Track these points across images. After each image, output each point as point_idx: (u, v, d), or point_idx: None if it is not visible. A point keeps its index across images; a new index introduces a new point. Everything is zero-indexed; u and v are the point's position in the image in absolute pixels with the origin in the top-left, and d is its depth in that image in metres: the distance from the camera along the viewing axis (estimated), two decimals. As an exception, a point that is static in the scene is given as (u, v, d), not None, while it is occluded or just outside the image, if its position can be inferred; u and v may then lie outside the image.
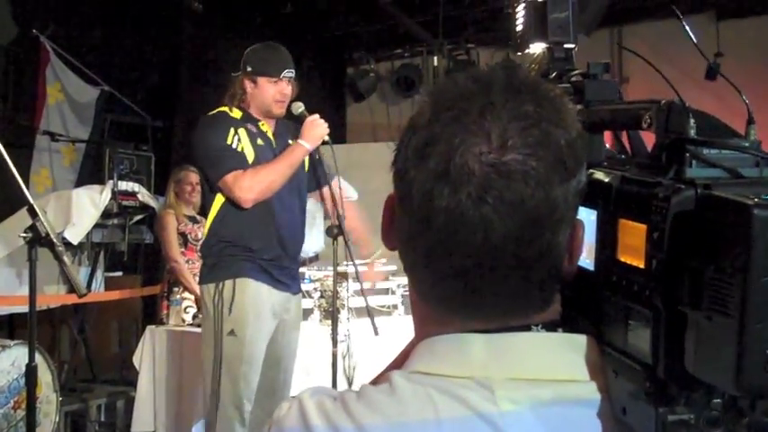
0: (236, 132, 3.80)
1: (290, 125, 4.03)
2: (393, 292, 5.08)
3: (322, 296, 4.88)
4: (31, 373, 2.80)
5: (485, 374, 0.85)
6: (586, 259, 0.93)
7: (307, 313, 4.79)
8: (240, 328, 3.71)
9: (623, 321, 0.87)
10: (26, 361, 4.62)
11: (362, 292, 4.06)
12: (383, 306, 4.94)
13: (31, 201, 2.77)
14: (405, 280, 4.40)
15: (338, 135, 3.68)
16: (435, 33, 8.55)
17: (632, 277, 0.84)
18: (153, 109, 7.50)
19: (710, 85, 5.24)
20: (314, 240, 5.84)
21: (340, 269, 4.33)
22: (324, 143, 3.88)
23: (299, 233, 4.03)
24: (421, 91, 9.25)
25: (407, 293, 5.04)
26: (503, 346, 0.86)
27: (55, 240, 2.81)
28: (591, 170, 0.94)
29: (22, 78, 7.46)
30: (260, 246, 3.79)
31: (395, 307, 5.06)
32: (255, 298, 3.76)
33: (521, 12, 1.28)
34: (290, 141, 3.94)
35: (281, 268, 3.87)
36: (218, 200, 3.81)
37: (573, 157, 0.84)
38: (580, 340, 0.90)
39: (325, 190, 4.04)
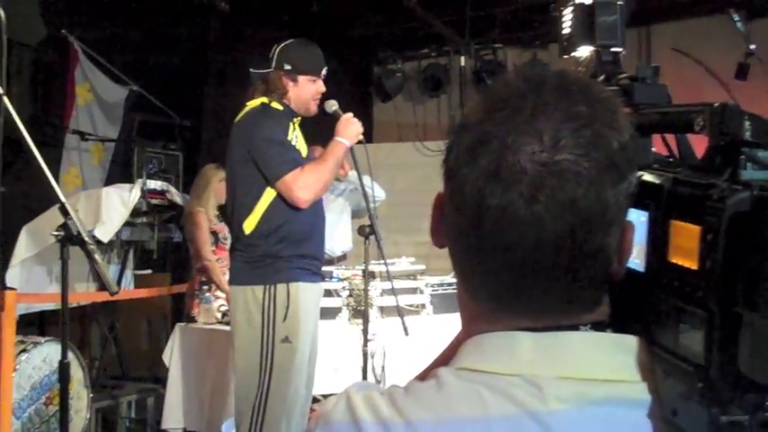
0: (294, 127, 3.75)
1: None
2: (421, 292, 5.08)
3: (350, 295, 4.89)
4: (64, 369, 2.82)
5: (533, 372, 0.85)
6: (636, 260, 0.94)
7: (335, 312, 4.81)
8: (294, 335, 3.60)
9: (674, 322, 0.87)
10: (57, 357, 4.67)
11: (393, 292, 4.05)
12: (411, 305, 4.95)
13: (63, 200, 2.79)
14: (433, 279, 4.44)
15: (365, 135, 3.69)
16: (462, 33, 8.54)
17: (685, 278, 0.85)
18: (181, 108, 7.53)
19: (737, 85, 5.21)
20: (342, 239, 5.86)
21: (369, 268, 4.33)
22: (359, 142, 3.87)
23: (324, 225, 4.00)
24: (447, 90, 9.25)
25: (435, 293, 5.08)
26: (552, 345, 0.87)
27: (86, 239, 2.82)
28: (640, 172, 0.95)
29: (51, 79, 7.53)
30: (308, 245, 3.73)
31: (423, 306, 5.06)
32: (307, 303, 3.67)
33: (568, 14, 1.28)
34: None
35: (320, 261, 3.85)
36: (266, 199, 3.67)
37: (625, 159, 0.85)
38: (629, 341, 0.90)
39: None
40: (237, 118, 3.78)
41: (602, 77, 1.15)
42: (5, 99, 2.47)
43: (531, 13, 8.19)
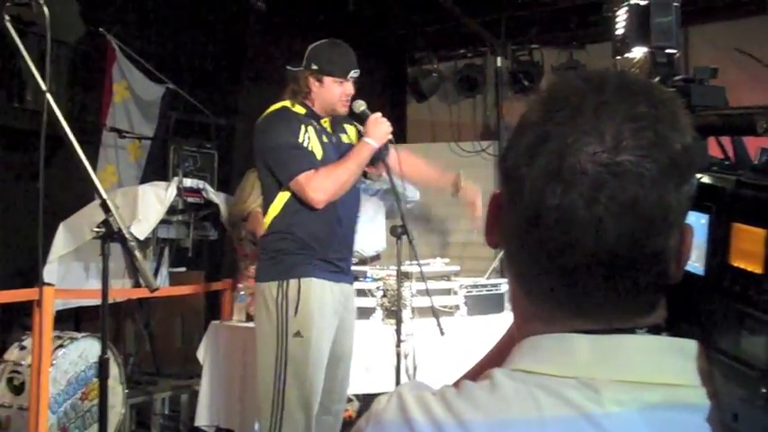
0: (306, 130, 3.76)
1: (339, 118, 3.98)
2: (455, 293, 5.06)
3: (384, 295, 4.89)
4: (103, 365, 2.84)
5: (590, 375, 0.84)
6: (695, 263, 0.92)
7: (369, 312, 4.81)
8: (306, 329, 3.66)
9: (736, 326, 0.86)
10: (93, 353, 4.74)
11: (427, 292, 4.04)
12: (445, 306, 4.93)
13: (105, 196, 2.80)
14: (467, 281, 4.42)
15: (399, 135, 3.70)
16: (498, 33, 8.52)
17: (748, 282, 0.83)
18: (216, 107, 7.58)
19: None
20: (376, 240, 5.86)
21: (403, 269, 4.33)
22: (388, 141, 3.87)
23: (355, 226, 4.04)
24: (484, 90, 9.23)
25: (470, 294, 5.06)
26: (609, 348, 0.86)
27: (127, 236, 2.83)
28: (699, 174, 0.93)
29: (89, 76, 7.61)
30: (323, 243, 3.77)
31: (457, 307, 5.04)
32: (321, 298, 3.72)
33: (622, 15, 1.26)
34: (341, 136, 3.94)
35: (341, 261, 3.86)
36: (282, 197, 3.77)
37: (687, 161, 0.84)
38: (688, 345, 0.89)
39: (388, 162, 3.97)
40: (258, 120, 3.87)
41: (657, 79, 1.14)
42: (49, 96, 2.49)
43: (569, 13, 8.15)
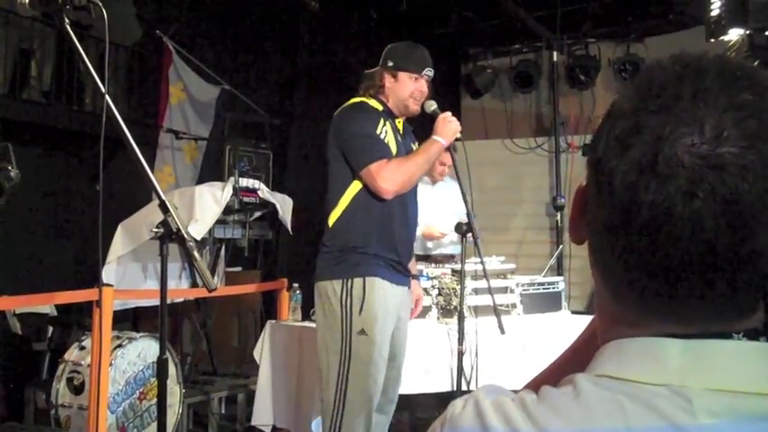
0: (384, 124, 3.78)
1: (409, 128, 4.03)
2: (512, 291, 5.01)
3: (439, 294, 4.85)
4: (162, 366, 2.84)
5: (681, 383, 0.79)
6: None
7: (424, 311, 4.78)
8: (370, 328, 3.65)
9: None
10: (151, 353, 4.78)
11: (489, 291, 4.00)
12: (501, 305, 4.88)
13: (164, 197, 2.81)
14: (524, 279, 4.36)
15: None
16: (553, 28, 8.43)
17: None
18: (271, 107, 7.62)
19: None
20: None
21: (459, 267, 4.29)
22: (457, 140, 3.88)
23: (415, 228, 4.05)
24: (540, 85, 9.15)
25: (526, 292, 5.00)
26: (702, 354, 0.81)
27: (185, 236, 2.83)
28: None
29: (146, 78, 7.70)
30: (388, 243, 3.76)
31: (513, 306, 4.99)
32: (384, 297, 3.71)
33: (717, -5, 1.21)
34: (412, 145, 3.96)
35: (401, 264, 3.86)
36: (349, 193, 3.76)
37: None
38: None
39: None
40: (336, 113, 3.87)
41: (755, 63, 1.08)
42: (108, 98, 2.50)
43: (625, 5, 8.04)
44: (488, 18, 8.70)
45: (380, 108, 3.85)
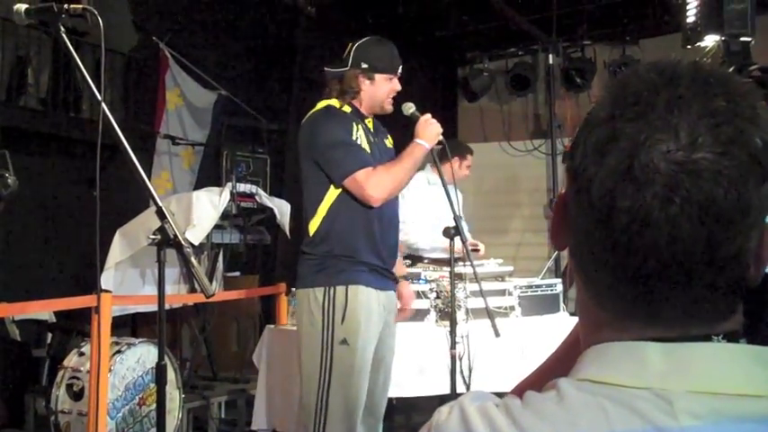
0: (357, 128, 3.70)
1: (378, 124, 3.94)
2: (510, 294, 5.02)
3: (438, 297, 4.86)
4: (161, 371, 2.85)
5: (663, 386, 0.80)
6: None
7: (423, 313, 4.79)
8: (353, 337, 3.58)
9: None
10: (151, 358, 4.78)
11: (481, 293, 3.99)
12: (499, 308, 4.89)
13: (160, 203, 2.81)
14: (521, 281, 4.37)
15: (450, 136, 3.68)
16: (549, 31, 8.45)
17: None
18: (268, 112, 7.62)
19: None
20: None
21: (456, 270, 4.29)
22: (438, 143, 3.83)
23: (398, 232, 3.98)
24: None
25: (524, 294, 5.01)
26: (683, 357, 0.82)
27: (182, 242, 2.83)
28: None
29: (142, 84, 7.71)
30: (371, 249, 3.69)
31: (511, 308, 4.99)
32: (367, 305, 3.64)
33: (692, 2, 1.23)
34: (384, 141, 3.90)
35: (385, 268, 3.79)
36: (327, 200, 3.67)
37: None
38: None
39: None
40: (304, 120, 3.79)
41: (731, 69, 1.09)
42: (104, 105, 2.51)
43: (620, 8, 8.06)
44: (484, 21, 8.71)
45: (349, 110, 3.75)
